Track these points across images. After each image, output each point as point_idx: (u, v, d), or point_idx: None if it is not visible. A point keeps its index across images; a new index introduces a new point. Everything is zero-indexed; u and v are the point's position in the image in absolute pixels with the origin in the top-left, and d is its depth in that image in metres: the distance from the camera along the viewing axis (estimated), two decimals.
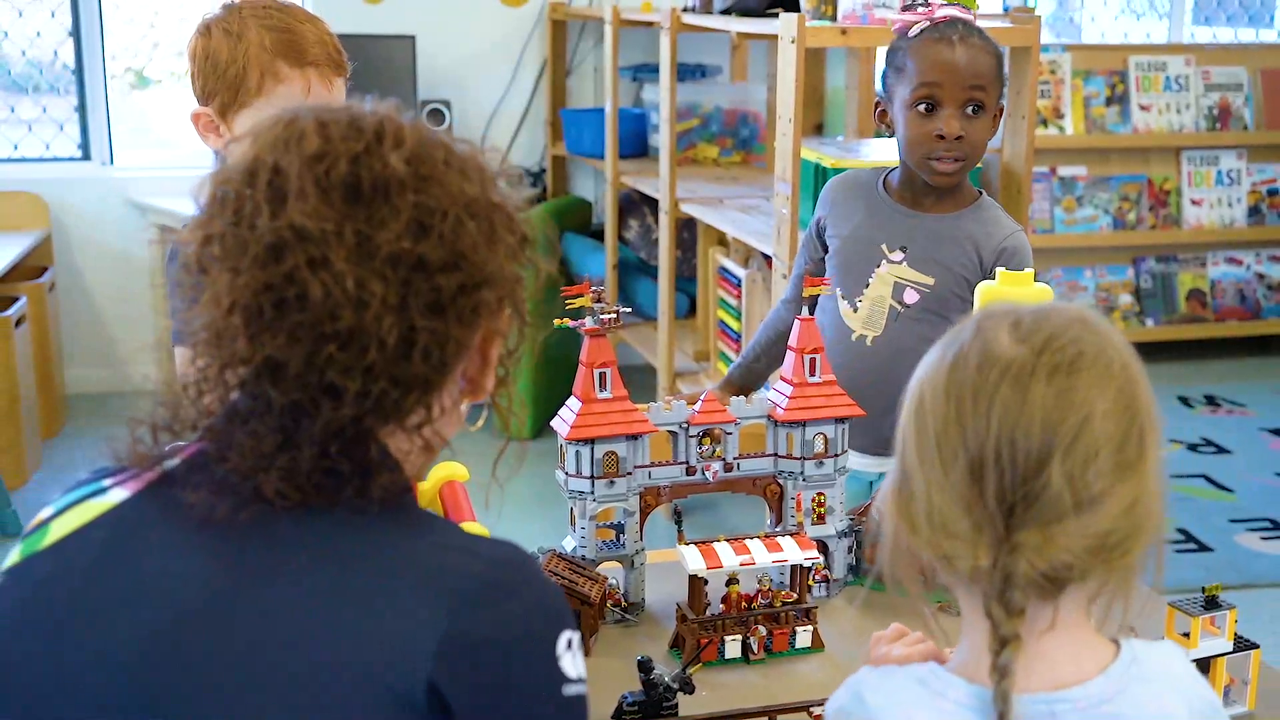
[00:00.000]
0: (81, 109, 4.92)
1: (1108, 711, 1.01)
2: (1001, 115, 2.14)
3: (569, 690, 0.95)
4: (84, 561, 0.98)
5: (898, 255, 2.12)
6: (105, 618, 0.96)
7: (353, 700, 0.90)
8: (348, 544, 0.96)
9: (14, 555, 1.03)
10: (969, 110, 2.04)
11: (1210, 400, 4.99)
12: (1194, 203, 5.54)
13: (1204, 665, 1.48)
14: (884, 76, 2.16)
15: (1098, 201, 5.46)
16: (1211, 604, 1.49)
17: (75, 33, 4.86)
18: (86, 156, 4.95)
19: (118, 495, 1.02)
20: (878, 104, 2.17)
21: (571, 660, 0.95)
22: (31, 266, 4.52)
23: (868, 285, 2.13)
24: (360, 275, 0.94)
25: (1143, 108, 5.48)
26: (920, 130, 2.05)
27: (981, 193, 2.18)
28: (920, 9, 2.13)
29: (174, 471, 1.01)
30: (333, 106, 1.02)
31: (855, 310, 2.14)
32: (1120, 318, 5.50)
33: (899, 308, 2.12)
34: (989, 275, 2.05)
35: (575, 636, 0.97)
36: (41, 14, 4.90)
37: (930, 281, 2.10)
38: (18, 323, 4.05)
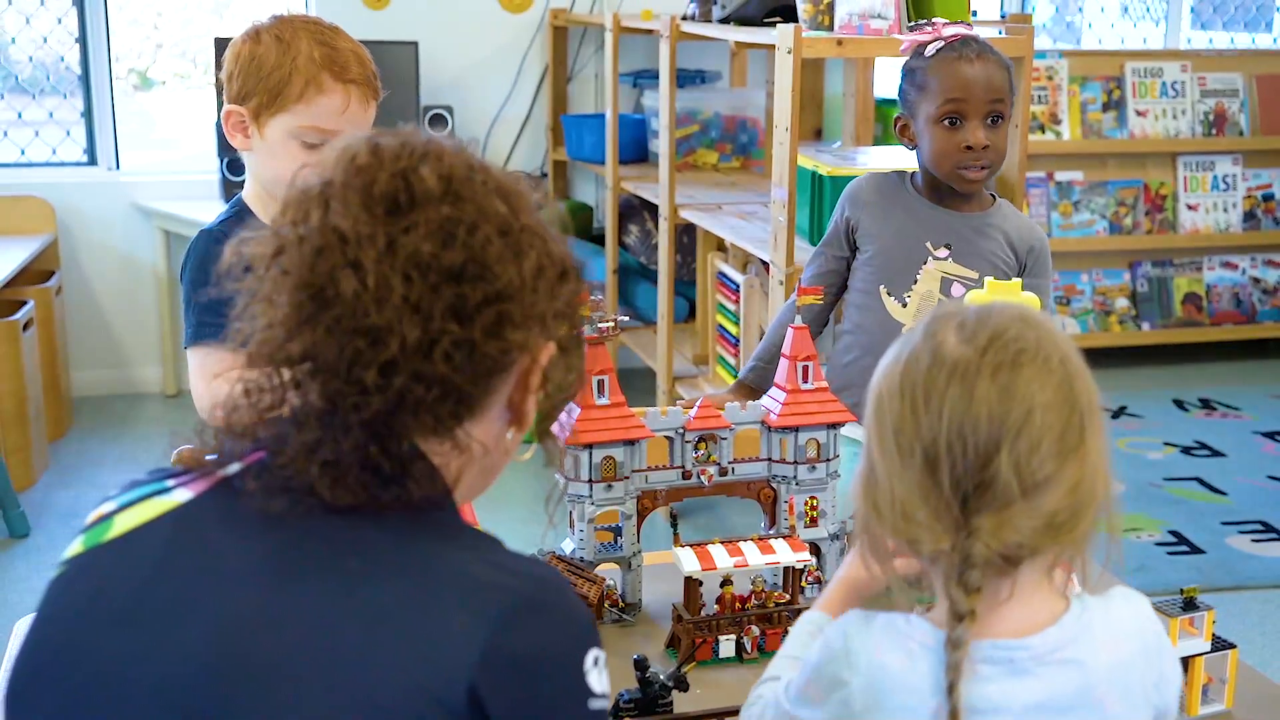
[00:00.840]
0: (88, 114, 4.97)
1: (1062, 657, 1.10)
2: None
3: (593, 704, 1.01)
4: (151, 556, 1.04)
5: (943, 252, 2.25)
6: (170, 610, 1.01)
7: (396, 701, 0.96)
8: (397, 553, 1.02)
9: (76, 546, 1.08)
10: (990, 121, 2.18)
11: (1205, 404, 5.03)
12: (1190, 207, 5.59)
13: (1183, 665, 1.52)
14: (903, 94, 2.27)
15: (1094, 206, 5.50)
16: (1190, 605, 1.54)
17: (82, 39, 4.91)
18: (93, 161, 5.00)
19: (181, 495, 1.08)
20: (898, 119, 2.28)
21: (597, 676, 1.02)
22: (38, 270, 4.56)
23: (915, 281, 2.25)
24: (383, 273, 1.01)
25: (1139, 113, 5.53)
26: (948, 143, 2.18)
27: (995, 195, 2.31)
28: (927, 29, 2.23)
29: (234, 476, 1.07)
30: (392, 131, 1.09)
31: (904, 305, 2.25)
32: (1117, 321, 5.54)
33: (946, 301, 2.24)
34: (1023, 268, 2.25)
35: (602, 655, 1.03)
36: (48, 20, 4.95)
37: (974, 275, 2.23)
38: (25, 326, 4.10)
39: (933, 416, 1.08)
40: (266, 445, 1.07)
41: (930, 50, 2.22)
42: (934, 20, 2.29)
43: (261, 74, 1.85)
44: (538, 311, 1.07)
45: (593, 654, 1.02)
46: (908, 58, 2.27)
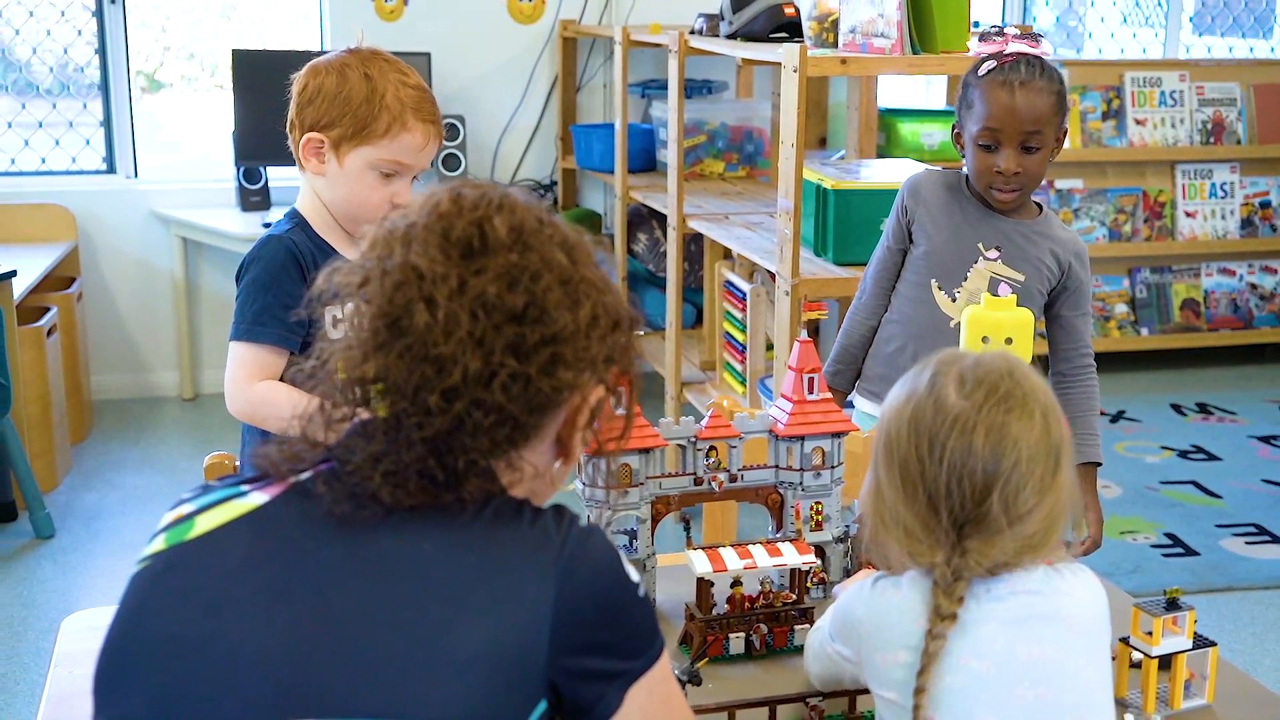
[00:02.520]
0: (107, 123, 5.07)
1: (1030, 588, 1.32)
2: (1065, 136, 2.37)
3: (639, 592, 1.18)
4: (237, 551, 1.14)
5: (993, 254, 2.38)
6: (260, 600, 1.11)
7: (481, 665, 1.08)
8: (465, 537, 1.13)
9: (158, 543, 1.18)
10: (1025, 149, 2.29)
11: (1202, 408, 5.12)
12: (1188, 215, 5.68)
13: (1165, 661, 1.62)
14: (958, 105, 2.40)
15: (1094, 213, 5.59)
16: (1172, 605, 1.63)
17: (101, 50, 5.01)
18: (111, 169, 5.10)
19: (258, 498, 1.18)
20: (954, 127, 2.41)
21: (630, 569, 1.18)
22: (60, 277, 4.66)
23: (965, 279, 2.38)
24: (452, 310, 1.12)
25: (1138, 122, 5.62)
26: (983, 164, 2.32)
27: (1042, 206, 2.44)
28: (995, 39, 2.33)
29: (305, 482, 1.18)
30: (474, 183, 1.20)
31: (954, 300, 2.39)
32: (1116, 327, 5.63)
33: None
34: (1064, 274, 2.38)
35: (621, 551, 1.20)
36: (69, 30, 5.06)
37: (1021, 278, 2.36)
38: (49, 332, 4.20)
39: (935, 463, 1.28)
40: (336, 454, 1.17)
41: (984, 69, 2.32)
42: (1005, 30, 2.39)
43: (349, 108, 1.97)
44: (589, 355, 1.17)
45: (621, 556, 1.18)
46: (968, 71, 2.38)
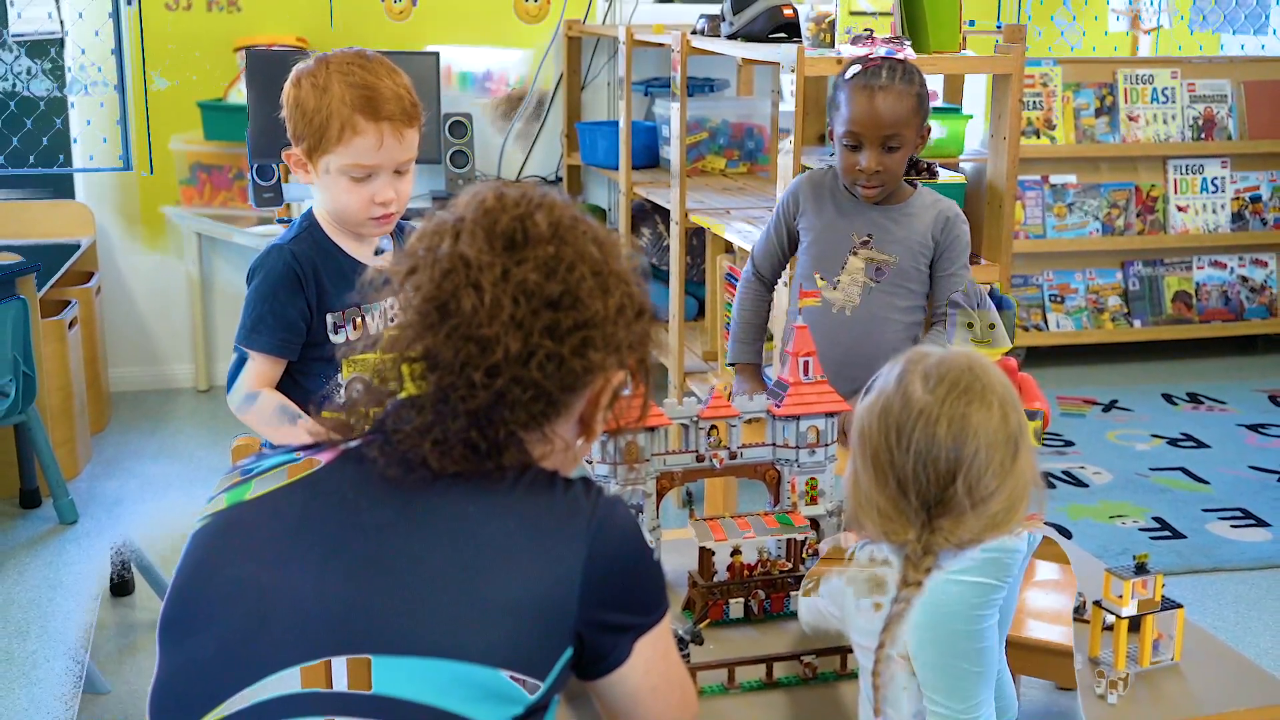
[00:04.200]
0: (124, 122, 5.18)
1: (991, 545, 1.43)
2: (929, 134, 2.57)
3: (655, 555, 1.33)
4: (295, 510, 1.26)
5: (866, 240, 2.58)
6: (319, 553, 1.23)
7: (521, 610, 1.20)
8: (506, 501, 1.26)
9: (219, 503, 1.30)
10: (886, 149, 2.48)
11: (1193, 398, 5.24)
12: (1180, 209, 5.79)
13: (1135, 622, 1.74)
14: (829, 104, 2.60)
15: (1088, 208, 5.71)
16: (1141, 569, 1.75)
17: (118, 51, 5.13)
18: (128, 166, 5.22)
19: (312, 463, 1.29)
20: (828, 125, 2.62)
21: (647, 535, 1.32)
22: (79, 271, 4.78)
23: (843, 267, 2.59)
24: (496, 295, 1.24)
25: (1131, 118, 5.73)
26: (847, 162, 2.53)
27: (915, 184, 2.64)
28: (865, 41, 2.52)
29: (355, 449, 1.30)
30: (515, 183, 1.33)
31: (835, 288, 2.59)
32: (1109, 319, 5.74)
33: (871, 283, 2.58)
34: (937, 241, 2.57)
35: (638, 518, 1.30)
36: (86, 32, 5.17)
37: (894, 259, 2.57)
38: (70, 325, 4.32)
39: (903, 452, 1.41)
40: (386, 425, 1.29)
41: (849, 73, 2.51)
42: (873, 34, 2.56)
43: (306, 119, 2.00)
44: (616, 340, 1.30)
45: (639, 523, 1.31)
46: (839, 73, 2.56)
